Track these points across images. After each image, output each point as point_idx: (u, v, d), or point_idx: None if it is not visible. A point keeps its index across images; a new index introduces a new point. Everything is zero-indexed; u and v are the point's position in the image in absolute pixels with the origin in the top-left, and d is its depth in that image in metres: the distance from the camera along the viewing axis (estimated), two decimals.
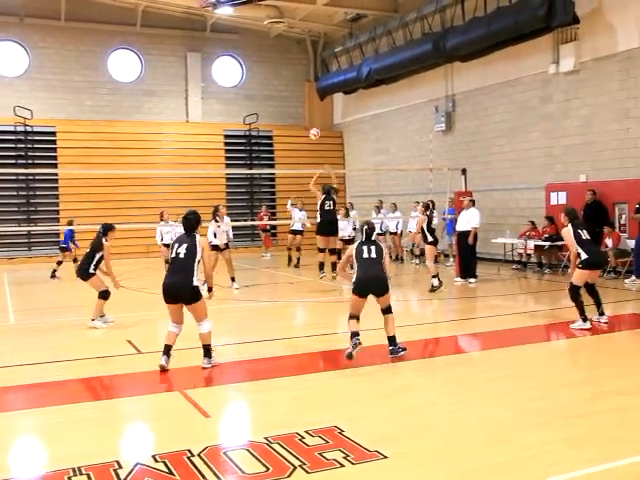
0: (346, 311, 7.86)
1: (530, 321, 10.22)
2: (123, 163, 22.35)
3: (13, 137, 22.31)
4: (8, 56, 22.82)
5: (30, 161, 22.45)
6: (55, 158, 22.66)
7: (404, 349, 7.72)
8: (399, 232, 19.87)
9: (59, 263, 17.03)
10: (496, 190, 18.40)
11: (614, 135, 15.32)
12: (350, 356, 7.49)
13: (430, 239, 13.48)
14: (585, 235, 9.39)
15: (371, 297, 7.75)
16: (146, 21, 23.87)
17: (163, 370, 7.18)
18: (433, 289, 13.09)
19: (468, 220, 14.55)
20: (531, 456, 4.74)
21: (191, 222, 7.47)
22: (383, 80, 21.48)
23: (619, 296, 12.53)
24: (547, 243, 15.88)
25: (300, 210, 19.81)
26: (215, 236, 13.92)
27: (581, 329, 9.11)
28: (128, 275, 16.48)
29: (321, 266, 14.20)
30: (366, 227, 7.98)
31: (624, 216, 15.21)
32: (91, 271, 10.23)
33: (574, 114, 16.30)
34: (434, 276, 13.15)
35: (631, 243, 14.38)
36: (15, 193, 22.44)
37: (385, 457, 4.74)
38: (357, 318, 7.74)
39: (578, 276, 9.33)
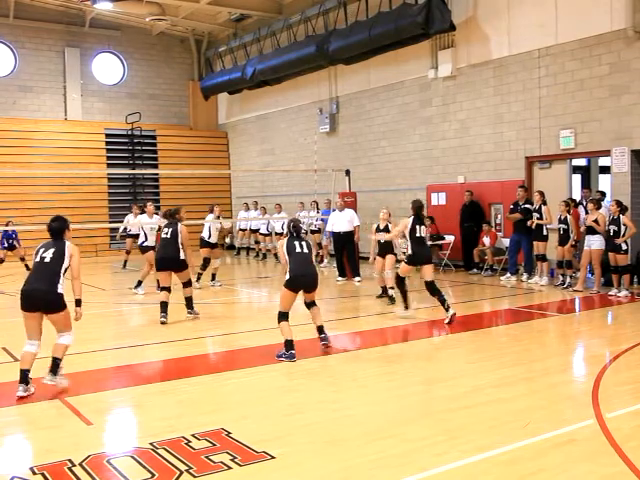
0: (233, 314, 7.83)
1: (413, 318, 10.53)
2: None
3: None
4: None
5: None
6: None
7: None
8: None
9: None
10: (379, 191, 18.85)
11: (489, 138, 16.03)
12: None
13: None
14: (419, 232, 10.13)
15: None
16: (20, 12, 22.78)
17: (21, 398, 6.28)
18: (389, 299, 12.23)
19: (349, 220, 14.80)
20: (414, 449, 4.90)
21: (55, 229, 6.77)
22: (267, 81, 21.51)
23: (495, 292, 13.14)
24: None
25: None
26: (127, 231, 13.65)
27: (404, 317, 10.18)
28: (2, 279, 15.73)
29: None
30: (293, 224, 8.20)
31: (499, 216, 15.96)
32: None
33: (452, 118, 16.93)
34: (391, 288, 12.18)
35: (506, 242, 15.11)
36: None
37: (272, 457, 4.76)
38: (287, 318, 7.92)
39: (401, 268, 10.37)
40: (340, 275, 15.18)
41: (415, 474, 4.45)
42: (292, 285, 7.92)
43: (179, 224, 10.65)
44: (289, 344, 7.71)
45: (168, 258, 10.42)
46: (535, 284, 13.54)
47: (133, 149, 24.79)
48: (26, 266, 17.45)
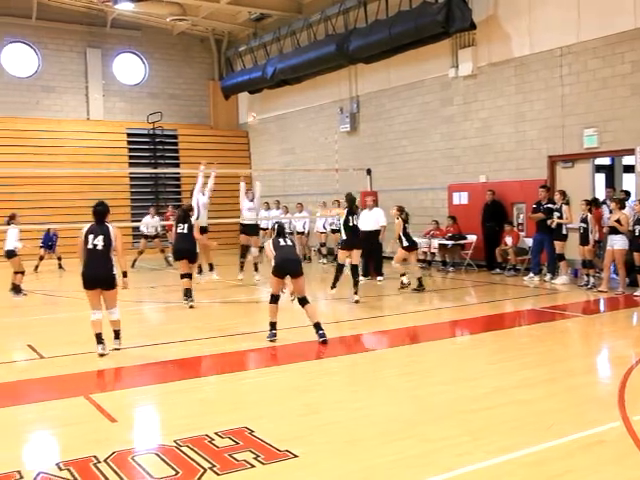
0: (256, 313, 7.88)
1: (435, 318, 10.51)
2: (20, 161, 21.55)
3: None
4: None
5: None
6: None
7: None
8: (306, 232, 19.96)
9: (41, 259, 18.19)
10: (400, 190, 18.77)
11: (511, 137, 15.92)
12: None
13: (406, 243, 13.04)
14: (352, 222, 11.98)
15: None
16: (42, 13, 22.99)
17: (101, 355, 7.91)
18: (403, 286, 12.96)
19: (376, 219, 14.61)
20: (436, 449, 4.87)
21: (100, 212, 8.19)
22: (288, 80, 21.51)
23: (518, 292, 13.04)
24: (450, 242, 16.33)
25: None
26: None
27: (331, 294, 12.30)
28: (25, 277, 15.84)
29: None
30: (278, 225, 9.12)
31: (522, 216, 15.83)
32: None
33: (473, 116, 16.84)
34: (402, 274, 13.05)
35: (529, 242, 14.99)
36: None
37: (295, 456, 4.77)
38: (277, 301, 8.68)
39: (339, 255, 12.44)
40: (363, 274, 15.04)
41: (437, 475, 4.43)
42: (277, 271, 8.62)
43: (192, 219, 12.13)
44: (272, 325, 8.67)
45: (185, 250, 11.85)
46: (561, 285, 13.38)
47: (155, 148, 24.93)
48: (59, 265, 18.38)
